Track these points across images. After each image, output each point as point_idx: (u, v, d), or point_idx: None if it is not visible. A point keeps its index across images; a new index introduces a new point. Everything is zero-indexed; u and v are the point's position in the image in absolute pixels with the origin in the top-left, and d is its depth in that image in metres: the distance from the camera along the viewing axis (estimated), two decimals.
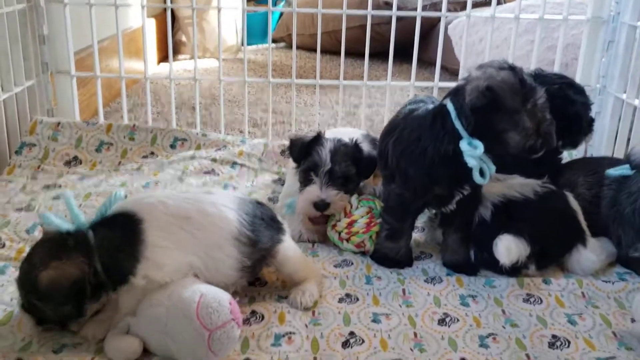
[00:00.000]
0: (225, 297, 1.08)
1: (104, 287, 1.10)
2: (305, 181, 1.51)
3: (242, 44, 3.32)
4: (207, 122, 2.51)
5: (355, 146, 1.52)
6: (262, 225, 1.22)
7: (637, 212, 1.37)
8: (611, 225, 1.44)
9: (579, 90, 1.54)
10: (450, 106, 1.28)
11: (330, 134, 1.57)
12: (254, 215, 1.21)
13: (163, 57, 3.56)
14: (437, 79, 2.07)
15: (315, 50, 2.02)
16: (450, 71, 3.40)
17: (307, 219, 1.52)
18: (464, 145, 1.24)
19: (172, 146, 1.96)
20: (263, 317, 1.20)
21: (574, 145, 1.60)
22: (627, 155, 1.47)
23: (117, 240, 1.10)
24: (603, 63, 2.03)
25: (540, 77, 1.55)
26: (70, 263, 1.06)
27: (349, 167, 1.49)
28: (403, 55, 3.20)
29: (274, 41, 4.28)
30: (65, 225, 1.10)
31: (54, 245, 1.09)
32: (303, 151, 1.52)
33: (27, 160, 1.85)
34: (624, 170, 1.43)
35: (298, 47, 3.47)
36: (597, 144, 2.04)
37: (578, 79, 2.04)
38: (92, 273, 1.08)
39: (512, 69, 1.24)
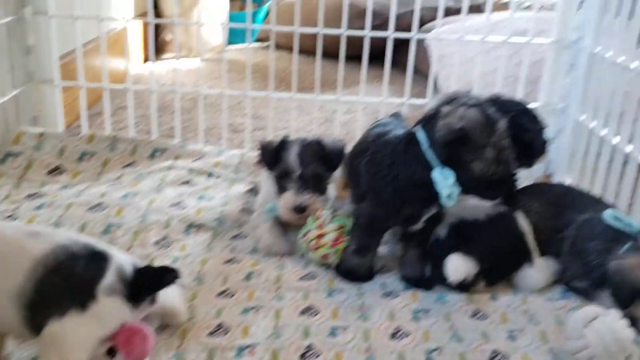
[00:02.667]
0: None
1: None
2: (281, 188, 1.63)
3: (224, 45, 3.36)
4: (188, 125, 2.59)
5: (318, 143, 1.64)
6: (60, 288, 1.02)
7: (608, 273, 1.39)
8: (564, 255, 1.52)
9: (533, 118, 1.63)
10: (421, 135, 1.40)
11: None
12: (47, 281, 1.02)
13: (148, 56, 3.62)
14: (407, 96, 2.18)
15: (297, 52, 2.11)
16: (426, 76, 3.48)
17: (290, 215, 1.62)
18: (436, 175, 1.37)
19: (152, 156, 2.04)
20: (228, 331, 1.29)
21: (529, 165, 1.70)
22: None
23: None
24: (566, 84, 2.12)
25: (497, 103, 1.65)
26: None
27: (317, 167, 1.62)
28: (382, 59, 3.27)
29: (259, 40, 4.34)
30: None
31: None
32: (273, 157, 1.64)
33: (12, 169, 1.92)
34: (624, 224, 1.45)
35: (281, 48, 3.53)
36: (558, 161, 2.14)
37: (541, 99, 2.16)
38: None
39: (480, 105, 1.37)
